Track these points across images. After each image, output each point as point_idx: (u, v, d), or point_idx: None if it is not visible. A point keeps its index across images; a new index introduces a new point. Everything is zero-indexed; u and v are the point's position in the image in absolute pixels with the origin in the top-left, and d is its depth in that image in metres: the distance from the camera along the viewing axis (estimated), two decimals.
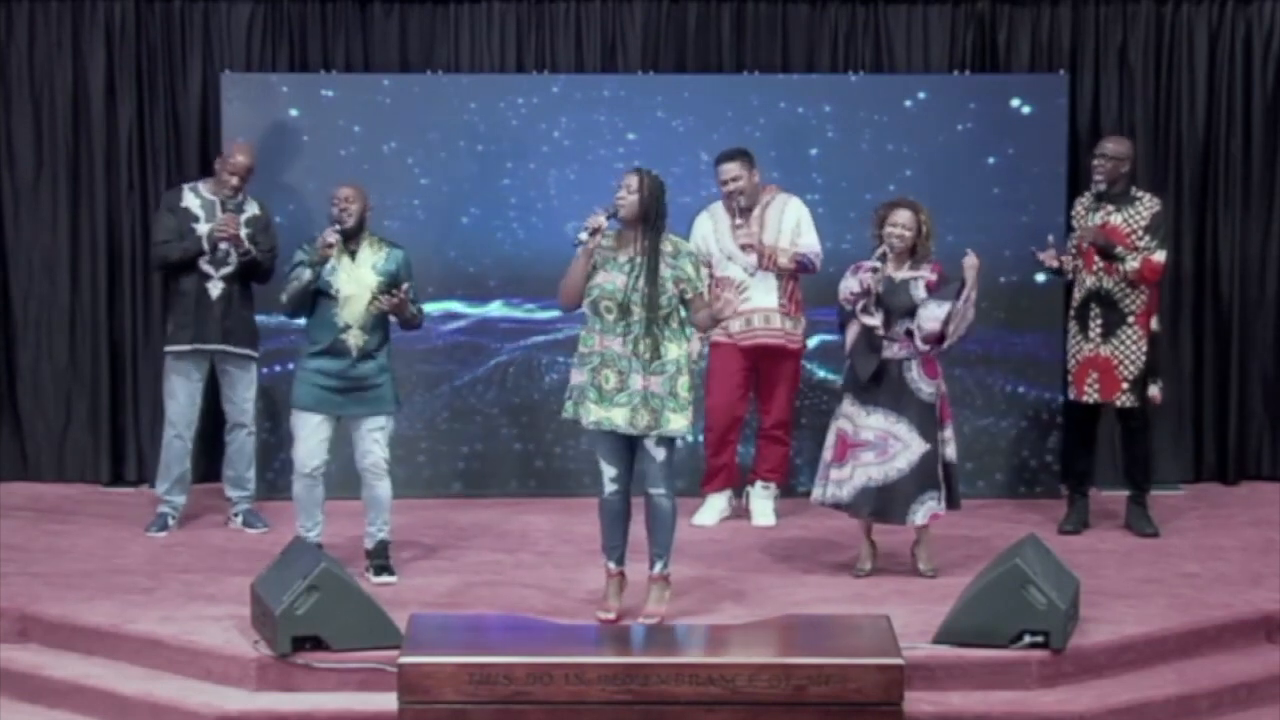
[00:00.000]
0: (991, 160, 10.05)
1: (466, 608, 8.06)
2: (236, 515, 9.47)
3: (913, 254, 8.39)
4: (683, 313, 7.77)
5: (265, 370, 9.66)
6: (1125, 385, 9.24)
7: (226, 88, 9.99)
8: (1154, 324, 9.32)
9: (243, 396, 9.39)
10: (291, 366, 9.80)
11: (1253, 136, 10.48)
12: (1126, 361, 9.23)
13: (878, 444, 8.39)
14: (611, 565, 7.93)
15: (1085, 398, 9.30)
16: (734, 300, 7.95)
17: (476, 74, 10.29)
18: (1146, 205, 9.27)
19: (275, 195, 9.54)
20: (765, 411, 9.61)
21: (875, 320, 8.34)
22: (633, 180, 7.71)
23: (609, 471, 7.80)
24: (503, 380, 10.15)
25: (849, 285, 8.43)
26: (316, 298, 8.32)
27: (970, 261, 8.27)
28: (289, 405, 8.54)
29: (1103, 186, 9.24)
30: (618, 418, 7.66)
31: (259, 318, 9.50)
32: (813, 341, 9.89)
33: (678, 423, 7.71)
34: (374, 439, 8.40)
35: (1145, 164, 10.09)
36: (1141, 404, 9.31)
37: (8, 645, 7.93)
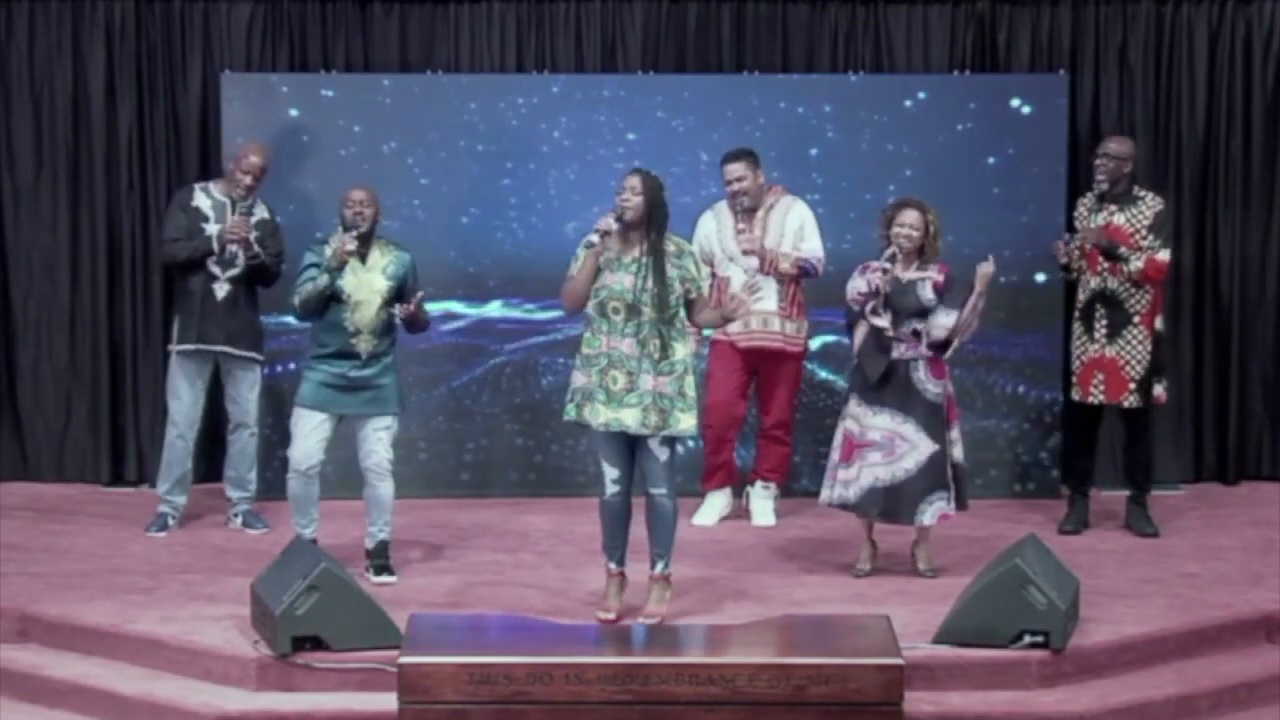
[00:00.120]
0: (991, 160, 10.05)
1: (466, 608, 8.07)
2: (236, 515, 9.47)
3: (920, 254, 8.39)
4: (682, 312, 7.77)
5: (267, 370, 9.65)
6: (1132, 385, 9.24)
7: (226, 88, 9.99)
8: (1158, 324, 9.32)
9: (246, 397, 9.39)
10: (293, 366, 9.83)
11: (1253, 136, 10.48)
12: (1132, 362, 9.23)
13: (884, 444, 8.39)
14: (612, 565, 7.93)
15: (1091, 399, 9.30)
16: (747, 300, 7.95)
17: (476, 74, 10.29)
18: (1150, 204, 9.27)
19: (275, 195, 9.54)
20: (765, 412, 9.62)
21: (885, 321, 8.33)
22: (635, 181, 7.71)
23: (611, 473, 7.80)
24: (502, 380, 10.14)
25: (856, 285, 8.43)
26: (327, 301, 8.32)
27: (985, 270, 8.25)
28: (292, 405, 8.53)
29: (1105, 186, 9.24)
30: (628, 418, 7.66)
31: (261, 319, 9.50)
32: (815, 343, 9.89)
33: (686, 422, 7.72)
34: (378, 439, 8.41)
35: (1145, 164, 10.09)
36: (1146, 404, 9.32)
37: (8, 645, 7.93)
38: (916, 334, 8.36)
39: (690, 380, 7.77)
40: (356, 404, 8.39)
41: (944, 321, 8.30)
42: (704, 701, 7.04)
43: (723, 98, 10.05)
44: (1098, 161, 9.29)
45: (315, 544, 8.29)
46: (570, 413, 7.79)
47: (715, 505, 9.63)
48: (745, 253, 9.32)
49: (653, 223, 7.71)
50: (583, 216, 9.66)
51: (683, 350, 7.74)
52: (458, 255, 10.01)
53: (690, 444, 9.73)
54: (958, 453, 8.49)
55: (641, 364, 7.66)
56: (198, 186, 9.44)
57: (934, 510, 8.42)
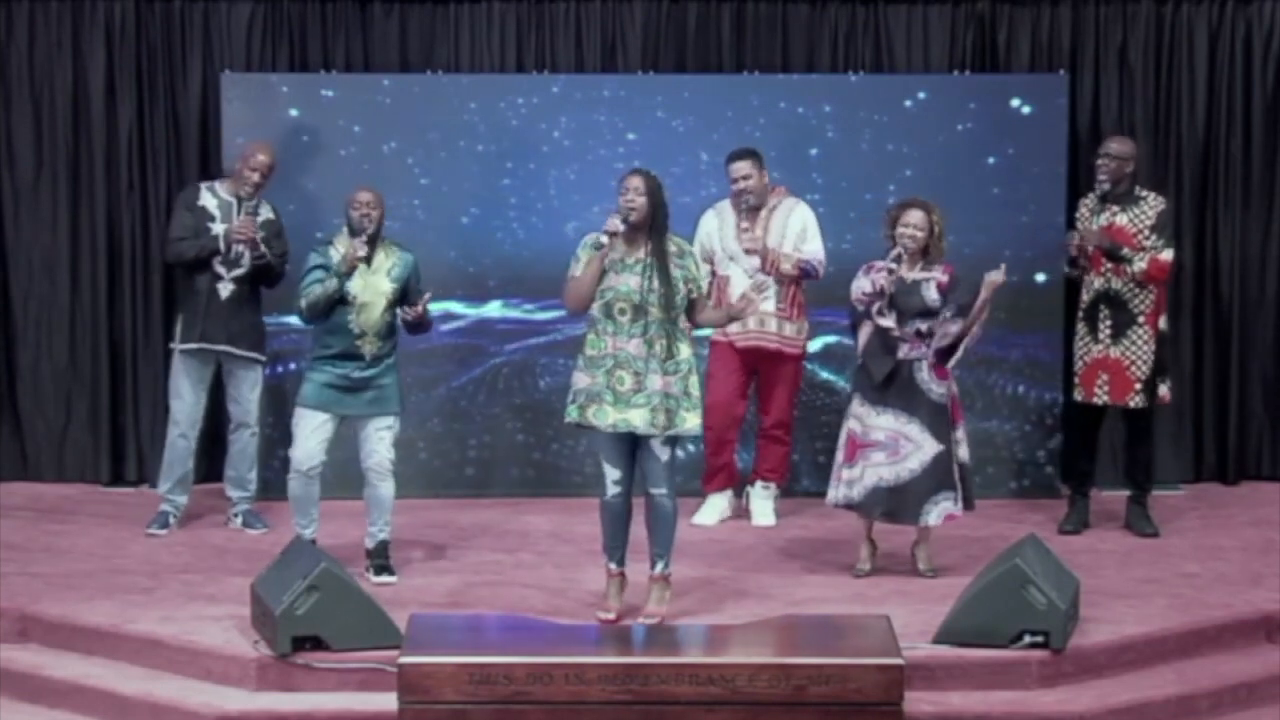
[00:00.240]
0: (991, 160, 10.05)
1: (466, 608, 8.07)
2: (236, 515, 9.47)
3: (925, 254, 8.39)
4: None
5: (267, 371, 9.64)
6: (1138, 386, 9.24)
7: (226, 88, 10.00)
8: (1162, 323, 9.32)
9: (247, 397, 9.39)
10: (294, 367, 9.84)
11: (1253, 136, 10.48)
12: (1138, 362, 9.23)
13: (888, 444, 8.39)
14: (612, 566, 7.93)
15: (1095, 399, 9.29)
16: (756, 300, 7.96)
17: (476, 74, 10.29)
18: (1152, 204, 9.27)
19: (275, 195, 9.52)
20: (765, 412, 9.62)
21: (890, 321, 8.33)
22: (638, 182, 7.72)
23: (612, 474, 7.80)
24: (502, 380, 10.14)
25: (861, 285, 8.42)
26: (333, 304, 8.32)
27: (993, 278, 8.24)
28: (291, 408, 8.53)
29: (1107, 186, 9.24)
30: (635, 419, 7.67)
31: (263, 319, 9.51)
32: (816, 344, 9.90)
33: (691, 421, 7.74)
34: (380, 439, 8.42)
35: (1145, 164, 10.09)
36: (1151, 404, 9.32)
37: (8, 645, 7.93)
38: (920, 334, 8.36)
39: (695, 380, 7.79)
40: (359, 405, 8.40)
41: (951, 329, 8.30)
42: (704, 701, 7.04)
43: (723, 98, 10.05)
44: (1099, 162, 9.29)
45: (315, 544, 8.28)
46: (572, 414, 7.79)
47: (715, 505, 9.63)
48: (748, 252, 9.32)
49: (655, 223, 7.72)
50: (583, 216, 9.67)
51: (687, 350, 7.77)
52: (458, 255, 10.01)
53: (691, 448, 9.76)
54: (963, 453, 8.49)
55: (649, 364, 7.67)
56: (203, 186, 9.43)
57: (939, 511, 8.42)
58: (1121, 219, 9.23)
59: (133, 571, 8.66)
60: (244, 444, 9.44)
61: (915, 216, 8.37)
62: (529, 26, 10.39)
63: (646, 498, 7.81)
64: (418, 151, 10.00)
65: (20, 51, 10.30)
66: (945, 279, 8.37)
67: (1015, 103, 10.05)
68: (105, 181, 10.32)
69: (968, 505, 8.50)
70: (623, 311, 7.69)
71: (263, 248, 9.21)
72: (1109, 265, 9.20)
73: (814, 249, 9.41)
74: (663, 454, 7.74)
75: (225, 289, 9.25)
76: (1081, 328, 9.37)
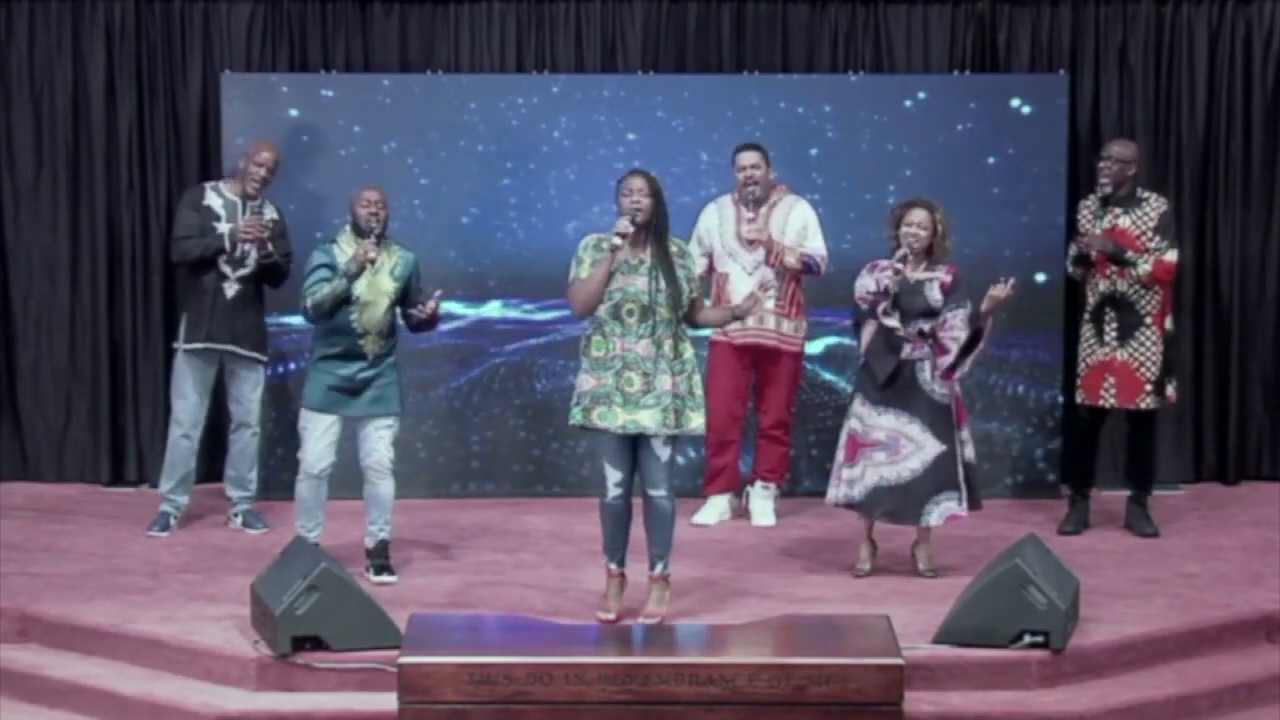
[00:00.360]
0: (991, 160, 10.05)
1: (466, 608, 8.07)
2: (236, 515, 9.47)
3: (929, 254, 8.38)
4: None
5: (268, 370, 9.64)
6: (1148, 387, 9.24)
7: (226, 88, 10.00)
8: (1168, 324, 9.32)
9: (249, 397, 9.39)
10: (294, 367, 9.84)
11: (1253, 136, 10.48)
12: (1146, 363, 9.23)
13: (889, 444, 8.38)
14: (612, 566, 7.93)
15: (1101, 402, 9.28)
16: (762, 299, 7.96)
17: (476, 74, 10.29)
18: (1154, 206, 9.27)
19: (275, 195, 9.52)
20: (764, 411, 9.62)
21: (895, 321, 8.33)
22: (641, 183, 7.72)
23: (614, 475, 7.79)
24: (502, 380, 10.15)
25: (865, 284, 8.42)
26: (338, 303, 8.32)
27: (995, 294, 8.23)
28: (291, 406, 8.54)
29: (1109, 189, 9.24)
30: (645, 419, 7.67)
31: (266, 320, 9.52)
32: (818, 344, 9.91)
33: (696, 421, 7.75)
34: (379, 437, 8.43)
35: (1145, 164, 10.08)
36: (1160, 405, 9.33)
37: (8, 645, 7.93)
38: (923, 334, 8.35)
39: (698, 379, 7.81)
40: (361, 405, 8.41)
41: (957, 334, 8.29)
42: (704, 701, 7.04)
43: (723, 98, 10.05)
44: (1101, 165, 9.29)
45: (316, 545, 8.29)
46: (576, 417, 7.77)
47: (716, 506, 9.63)
48: (751, 243, 9.32)
49: (658, 223, 7.73)
50: (583, 216, 9.68)
51: (690, 350, 7.79)
52: (458, 255, 10.01)
53: (692, 454, 9.76)
54: (969, 453, 8.48)
55: (658, 364, 7.67)
56: (208, 186, 9.44)
57: (941, 511, 8.42)
58: (1124, 221, 9.23)
59: (133, 571, 8.66)
60: (245, 444, 9.44)
61: (919, 216, 8.37)
62: (529, 26, 10.39)
63: (645, 499, 7.81)
64: (418, 151, 10.00)
65: (20, 51, 10.30)
66: (949, 279, 8.37)
67: (1015, 103, 10.06)
68: (105, 181, 10.32)
69: (975, 505, 8.50)
70: (630, 313, 7.69)
71: (270, 246, 9.21)
72: (1114, 268, 9.19)
73: (816, 245, 9.41)
74: (664, 454, 7.74)
75: (230, 289, 9.26)
76: (1087, 330, 9.35)
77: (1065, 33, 10.42)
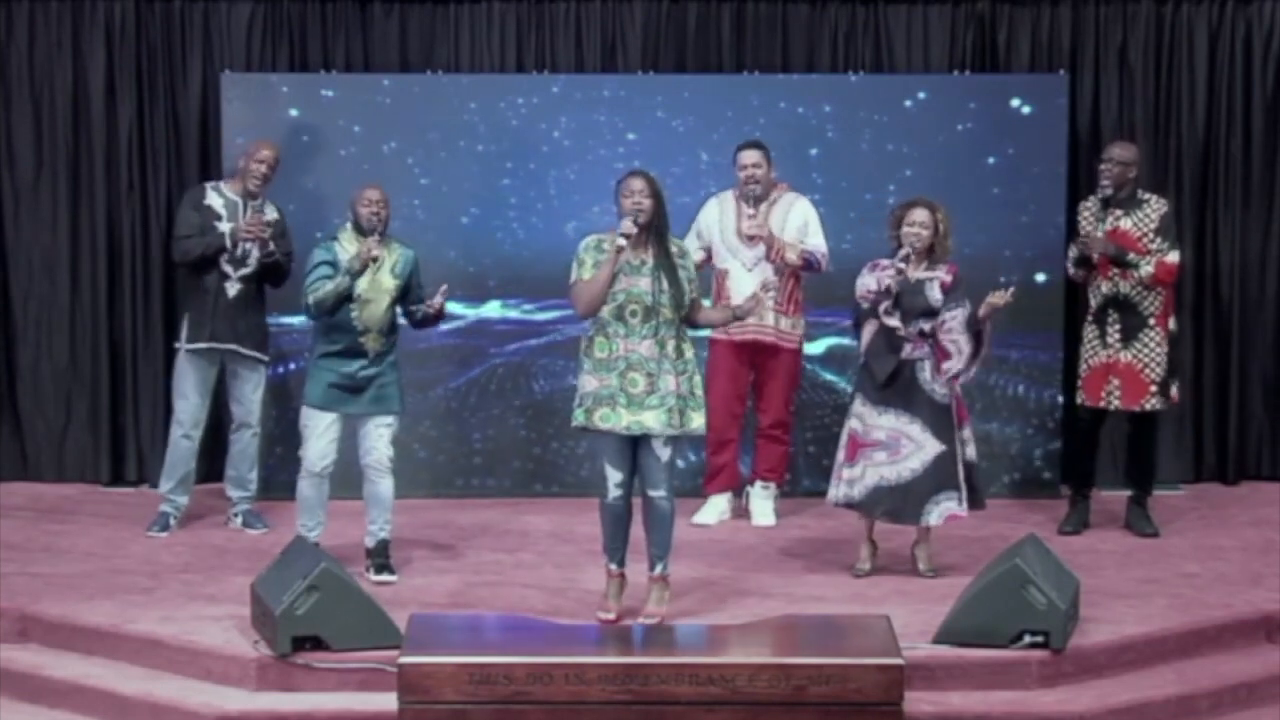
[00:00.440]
0: (991, 160, 10.05)
1: (466, 608, 8.06)
2: (236, 515, 9.47)
3: (931, 253, 8.38)
4: None
5: (268, 371, 9.64)
6: (1153, 389, 9.24)
7: (226, 88, 10.00)
8: (1172, 324, 9.32)
9: (250, 398, 9.40)
10: (293, 367, 9.84)
11: (1253, 136, 10.48)
12: (1151, 364, 9.23)
13: (889, 444, 8.38)
14: (613, 566, 7.93)
15: (1103, 404, 9.28)
16: (764, 299, 7.96)
17: (476, 74, 10.29)
18: (1154, 207, 9.27)
19: (275, 195, 9.52)
20: (763, 411, 9.61)
21: (897, 321, 8.32)
22: (642, 184, 7.72)
23: (614, 476, 7.79)
24: (502, 380, 10.15)
25: (866, 283, 8.42)
26: (340, 301, 8.33)
27: (993, 301, 8.23)
28: (292, 405, 8.54)
29: (1109, 191, 9.23)
30: (650, 420, 7.67)
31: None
32: (820, 345, 9.91)
33: (698, 421, 7.76)
34: (379, 436, 8.43)
35: (1145, 164, 10.08)
36: (1165, 406, 9.33)
37: (8, 645, 7.93)
38: (923, 334, 8.35)
39: (699, 379, 7.81)
40: (362, 404, 8.42)
41: (957, 338, 8.29)
42: (704, 701, 7.04)
43: (723, 98, 10.05)
44: (1102, 167, 9.29)
45: (317, 545, 8.29)
46: (579, 418, 7.77)
47: (716, 506, 9.63)
48: (752, 238, 9.32)
49: (659, 224, 7.73)
50: (583, 216, 9.68)
51: (690, 350, 7.79)
52: (457, 255, 10.01)
53: (692, 457, 9.76)
54: (970, 452, 8.48)
55: (661, 365, 7.68)
56: (209, 186, 9.44)
57: (940, 511, 8.41)
58: (1126, 223, 9.23)
59: (133, 571, 8.66)
60: (245, 444, 9.44)
61: (920, 215, 8.37)
62: (529, 26, 10.39)
63: (645, 500, 7.81)
64: (418, 151, 10.01)
65: (20, 51, 10.30)
66: (949, 279, 8.37)
67: (1015, 103, 10.06)
68: (105, 181, 10.32)
69: (977, 504, 8.50)
70: (634, 314, 7.69)
71: (271, 245, 9.21)
72: (1116, 269, 9.19)
73: (817, 242, 9.41)
74: (664, 454, 7.74)
75: (233, 288, 9.26)
76: (1090, 332, 9.34)
77: (1065, 33, 10.42)
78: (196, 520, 9.53)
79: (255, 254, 9.23)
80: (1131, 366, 9.24)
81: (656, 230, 7.72)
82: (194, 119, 10.28)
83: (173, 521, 9.38)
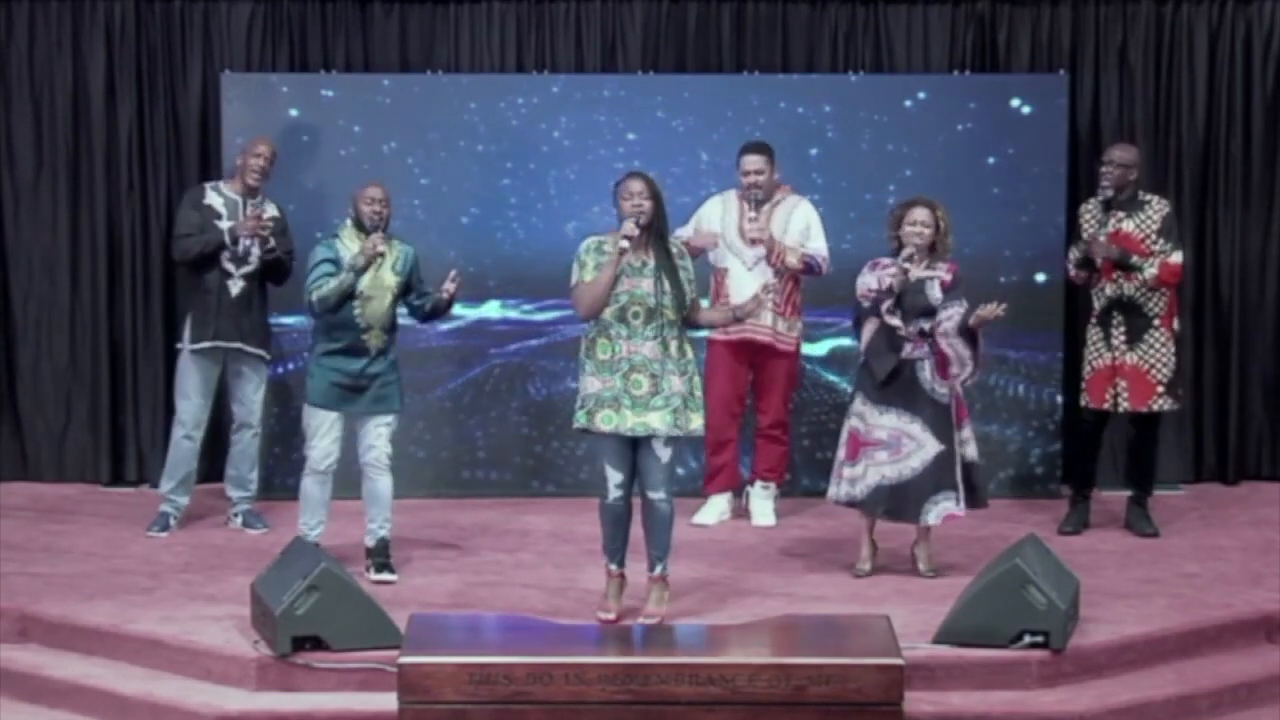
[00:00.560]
0: (991, 160, 10.05)
1: (466, 608, 8.06)
2: (236, 515, 9.47)
3: (932, 251, 8.38)
4: None
5: (269, 371, 9.64)
6: (1160, 389, 9.24)
7: (226, 88, 10.00)
8: (1176, 325, 9.33)
9: (252, 398, 9.40)
10: (292, 367, 9.84)
11: (1253, 136, 10.48)
12: (1157, 365, 9.23)
13: (890, 443, 8.39)
14: (612, 567, 7.93)
15: (1107, 406, 9.27)
16: (764, 300, 7.96)
17: (476, 74, 10.29)
18: (1156, 208, 9.27)
19: (275, 195, 9.52)
20: (761, 411, 9.61)
21: (899, 320, 8.32)
22: (641, 186, 7.71)
23: (614, 477, 7.79)
24: (501, 381, 10.14)
25: (866, 282, 8.42)
26: (343, 298, 8.34)
27: (983, 315, 8.23)
28: (292, 405, 8.54)
29: (1110, 193, 9.23)
30: (655, 421, 7.67)
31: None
32: (823, 346, 9.92)
33: (697, 422, 7.77)
34: (379, 434, 8.44)
35: (1145, 164, 10.08)
36: (1174, 406, 9.34)
37: (8, 645, 7.92)
38: (924, 333, 8.35)
39: (698, 380, 7.82)
40: (364, 403, 8.43)
41: (952, 340, 8.29)
42: (704, 701, 7.04)
43: (723, 98, 10.05)
44: (1103, 169, 9.28)
45: (317, 545, 8.29)
46: (581, 420, 7.76)
47: (716, 506, 9.63)
48: (753, 241, 9.32)
49: (660, 225, 7.73)
50: (583, 216, 9.68)
51: (691, 350, 7.80)
52: (458, 255, 9.99)
53: (693, 464, 9.75)
54: (970, 452, 8.48)
55: (665, 365, 7.68)
56: (208, 186, 9.44)
57: (939, 510, 8.42)
58: (1128, 225, 9.22)
59: (133, 571, 8.66)
60: (245, 444, 9.44)
61: (921, 214, 8.37)
62: (529, 26, 10.39)
63: (644, 501, 7.81)
64: (418, 151, 10.01)
65: (20, 51, 10.30)
66: (949, 277, 8.37)
67: (1015, 103, 10.05)
68: (105, 181, 10.32)
69: (978, 504, 8.49)
70: (636, 315, 7.69)
71: (272, 242, 9.21)
72: (1120, 271, 9.18)
73: (818, 246, 9.41)
74: (664, 454, 7.73)
75: (235, 286, 9.26)
76: (1094, 334, 9.33)
77: (1065, 33, 10.42)
78: (196, 520, 9.53)
79: (256, 252, 9.23)
80: (1138, 368, 9.24)
81: (657, 231, 7.73)
82: (194, 119, 10.28)
83: (173, 521, 9.38)
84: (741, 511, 9.68)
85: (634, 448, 7.76)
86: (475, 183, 10.05)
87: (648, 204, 7.69)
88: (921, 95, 10.07)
